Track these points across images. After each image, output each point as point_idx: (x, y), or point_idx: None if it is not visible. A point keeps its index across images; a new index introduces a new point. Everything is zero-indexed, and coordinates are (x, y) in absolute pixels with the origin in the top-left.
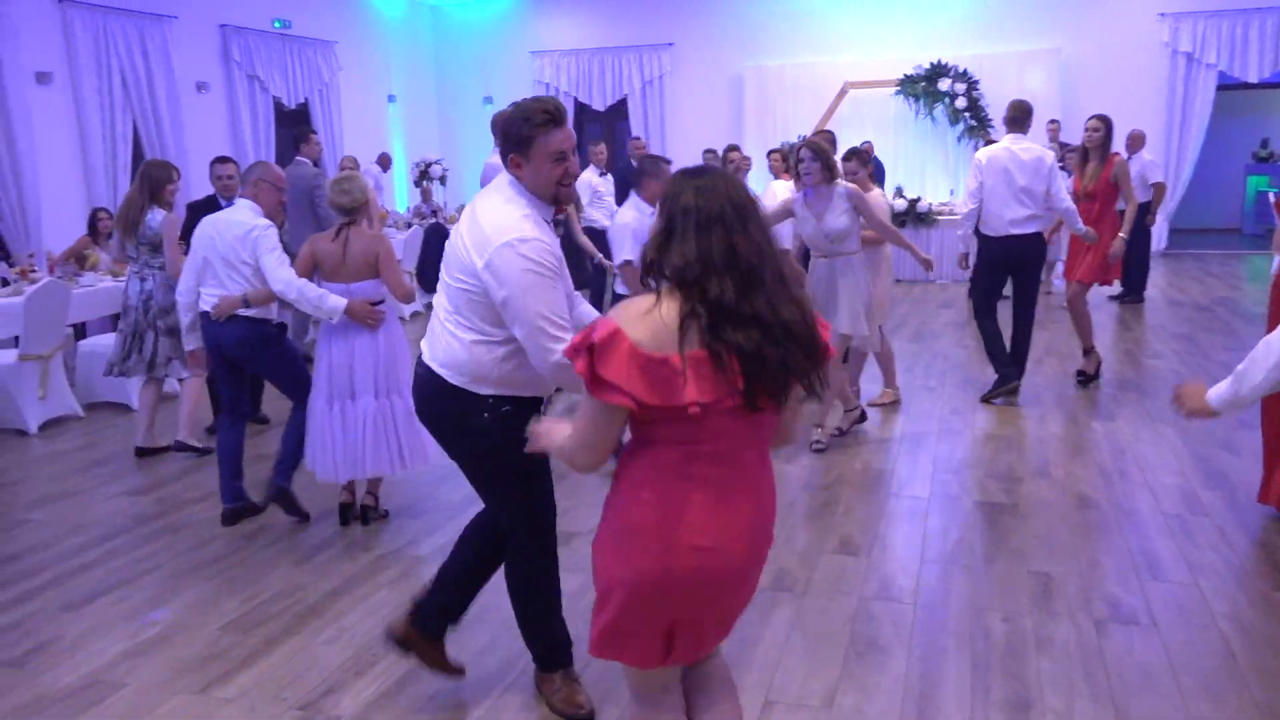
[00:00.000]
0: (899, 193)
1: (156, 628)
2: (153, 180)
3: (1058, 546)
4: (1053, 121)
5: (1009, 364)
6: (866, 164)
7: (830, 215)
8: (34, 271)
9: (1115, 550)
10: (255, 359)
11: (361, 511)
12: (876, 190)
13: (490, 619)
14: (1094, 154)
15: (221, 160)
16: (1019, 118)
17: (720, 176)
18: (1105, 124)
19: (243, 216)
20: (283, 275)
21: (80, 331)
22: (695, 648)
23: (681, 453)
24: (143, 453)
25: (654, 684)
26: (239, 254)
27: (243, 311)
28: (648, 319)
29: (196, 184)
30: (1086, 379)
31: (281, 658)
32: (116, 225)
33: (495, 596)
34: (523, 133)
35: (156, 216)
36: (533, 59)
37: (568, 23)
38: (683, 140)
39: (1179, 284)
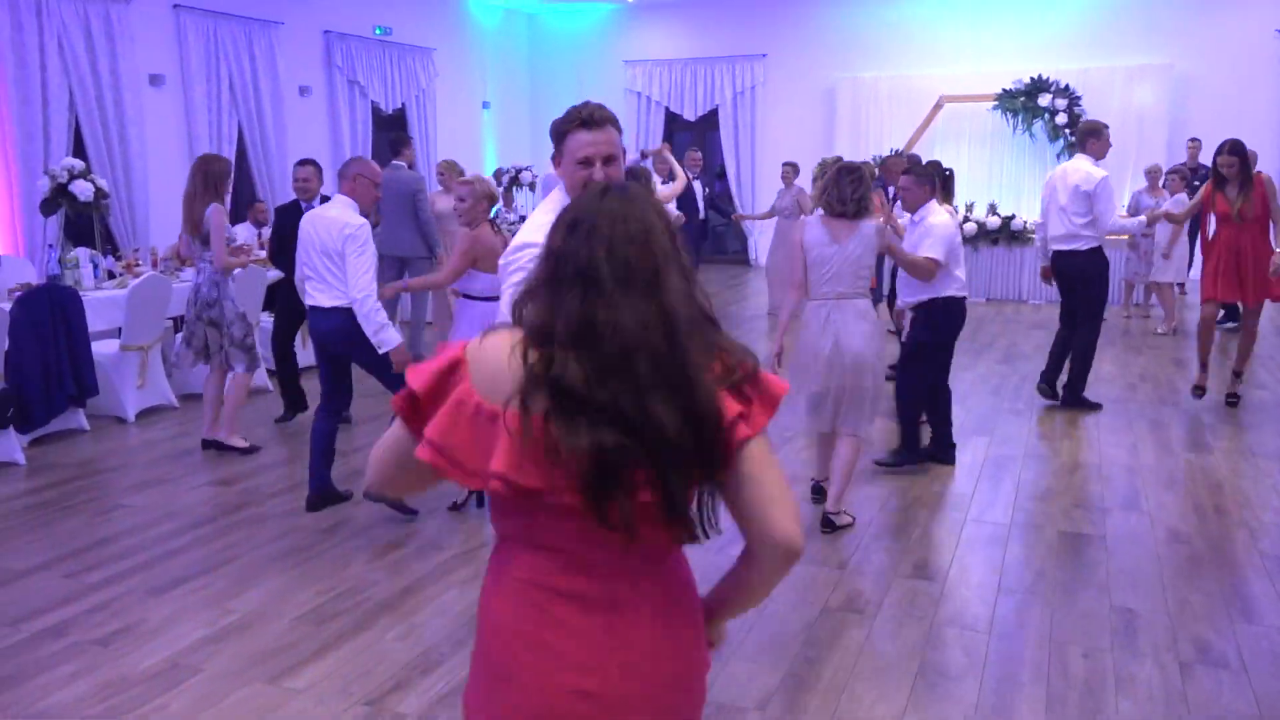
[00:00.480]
0: (992, 210)
1: (234, 615)
2: (214, 175)
3: (1144, 582)
4: (1193, 140)
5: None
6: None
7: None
8: (138, 266)
9: (1206, 589)
10: (356, 351)
11: (480, 497)
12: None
13: None
14: (1233, 180)
15: (301, 163)
16: (1081, 138)
17: (631, 204)
18: (1240, 154)
19: (338, 212)
20: (364, 284)
21: (179, 325)
22: None
23: (537, 559)
24: (207, 445)
25: None
26: (334, 245)
27: (343, 303)
28: (497, 355)
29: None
30: (1234, 399)
31: (351, 652)
32: (183, 223)
33: None
34: (558, 129)
35: (209, 210)
36: (626, 68)
37: (661, 32)
38: (773, 152)
39: None
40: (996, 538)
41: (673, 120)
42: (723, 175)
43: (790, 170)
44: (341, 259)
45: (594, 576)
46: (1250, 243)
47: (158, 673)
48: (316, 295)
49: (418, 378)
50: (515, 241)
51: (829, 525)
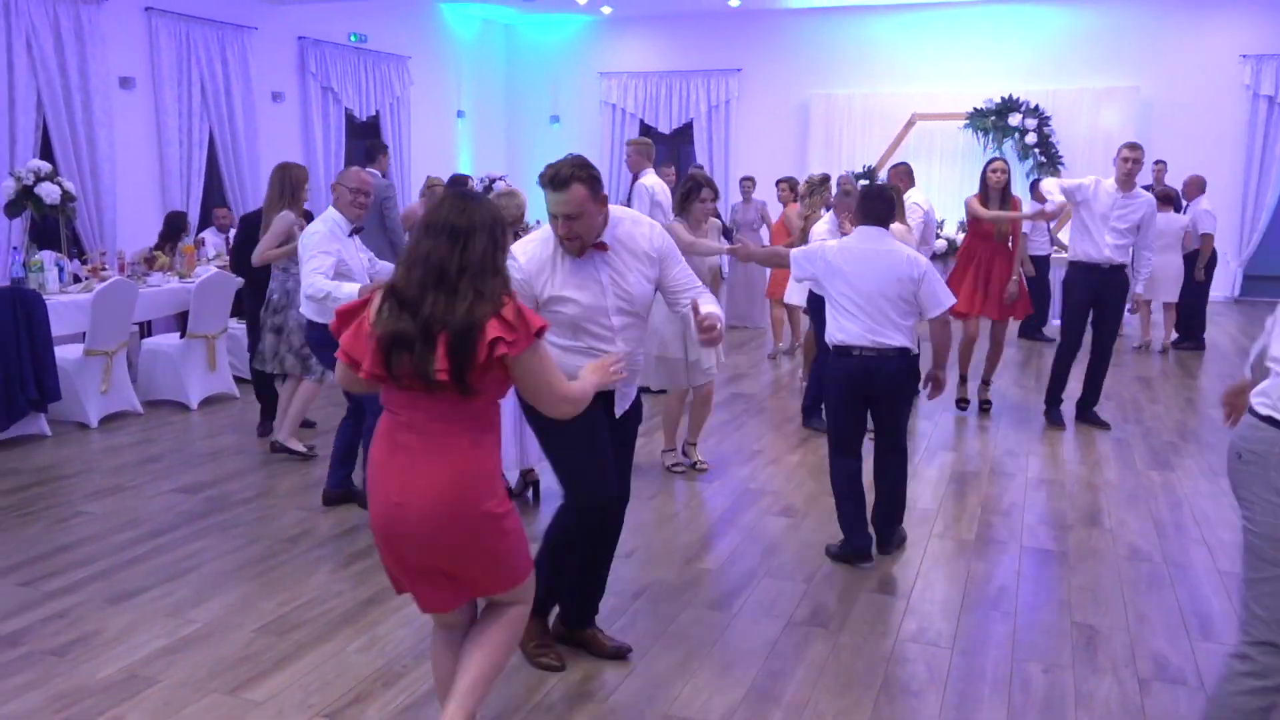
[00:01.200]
0: (962, 227)
1: (195, 625)
2: (293, 181)
3: (1105, 598)
4: (1158, 162)
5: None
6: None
7: None
8: (104, 270)
9: (1165, 606)
10: None
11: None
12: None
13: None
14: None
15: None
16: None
17: (466, 202)
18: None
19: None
20: (308, 278)
21: (146, 330)
22: (423, 595)
23: (390, 419)
24: (275, 448)
25: (436, 621)
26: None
27: None
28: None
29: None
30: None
31: (312, 663)
32: (263, 228)
33: None
34: (540, 181)
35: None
36: (601, 80)
37: (637, 45)
38: (746, 166)
39: (1251, 331)
40: (961, 553)
41: (646, 133)
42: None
43: (749, 184)
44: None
45: (410, 429)
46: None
47: (115, 683)
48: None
49: (340, 312)
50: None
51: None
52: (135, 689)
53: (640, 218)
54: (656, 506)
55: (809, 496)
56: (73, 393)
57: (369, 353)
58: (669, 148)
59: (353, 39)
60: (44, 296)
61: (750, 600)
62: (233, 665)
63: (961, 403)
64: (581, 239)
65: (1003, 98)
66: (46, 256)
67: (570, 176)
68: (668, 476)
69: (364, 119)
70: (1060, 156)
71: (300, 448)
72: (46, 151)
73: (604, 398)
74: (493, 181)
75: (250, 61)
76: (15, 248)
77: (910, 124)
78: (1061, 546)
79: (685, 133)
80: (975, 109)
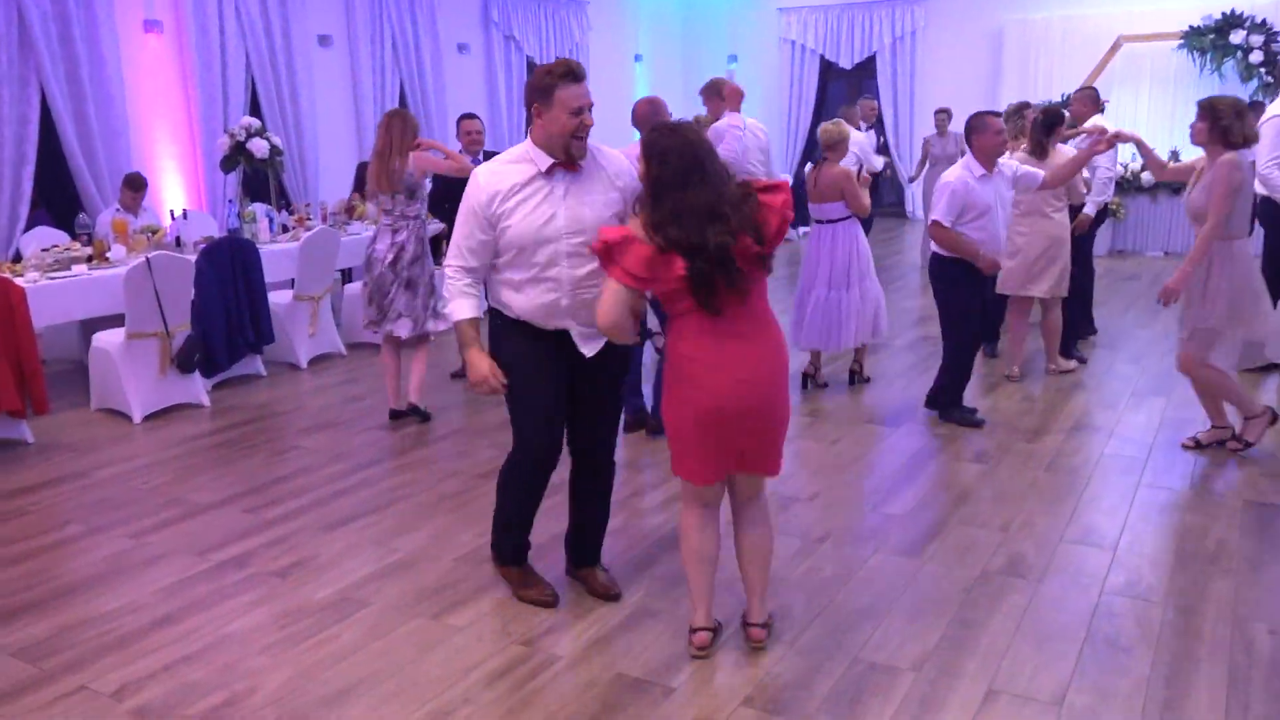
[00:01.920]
0: (1174, 156)
1: (399, 554)
2: (410, 128)
3: None
4: None
5: None
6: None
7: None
8: (309, 220)
9: None
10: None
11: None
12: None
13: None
14: None
15: (468, 116)
16: None
17: (676, 133)
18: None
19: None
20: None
21: (347, 276)
22: (713, 469)
23: (701, 324)
24: (399, 415)
25: (703, 497)
26: None
27: None
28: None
29: (455, 143)
30: None
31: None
32: (371, 178)
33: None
34: (544, 83)
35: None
36: (780, 16)
37: None
38: (934, 101)
39: None
40: (1173, 505)
41: (828, 69)
42: (879, 123)
43: (944, 117)
44: None
45: (733, 319)
46: None
47: (331, 604)
48: None
49: (609, 238)
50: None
51: None
52: (348, 610)
53: (607, 149)
54: (840, 451)
55: (1000, 444)
56: (284, 336)
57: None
58: (850, 83)
59: None
60: (257, 246)
61: (942, 548)
62: (435, 591)
63: None
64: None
65: (1223, 13)
66: (259, 208)
67: (581, 67)
68: (853, 423)
69: None
70: None
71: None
72: (255, 109)
73: (558, 342)
74: None
75: (437, 15)
76: (230, 200)
77: (1116, 47)
78: None
79: (868, 67)
80: (1191, 27)
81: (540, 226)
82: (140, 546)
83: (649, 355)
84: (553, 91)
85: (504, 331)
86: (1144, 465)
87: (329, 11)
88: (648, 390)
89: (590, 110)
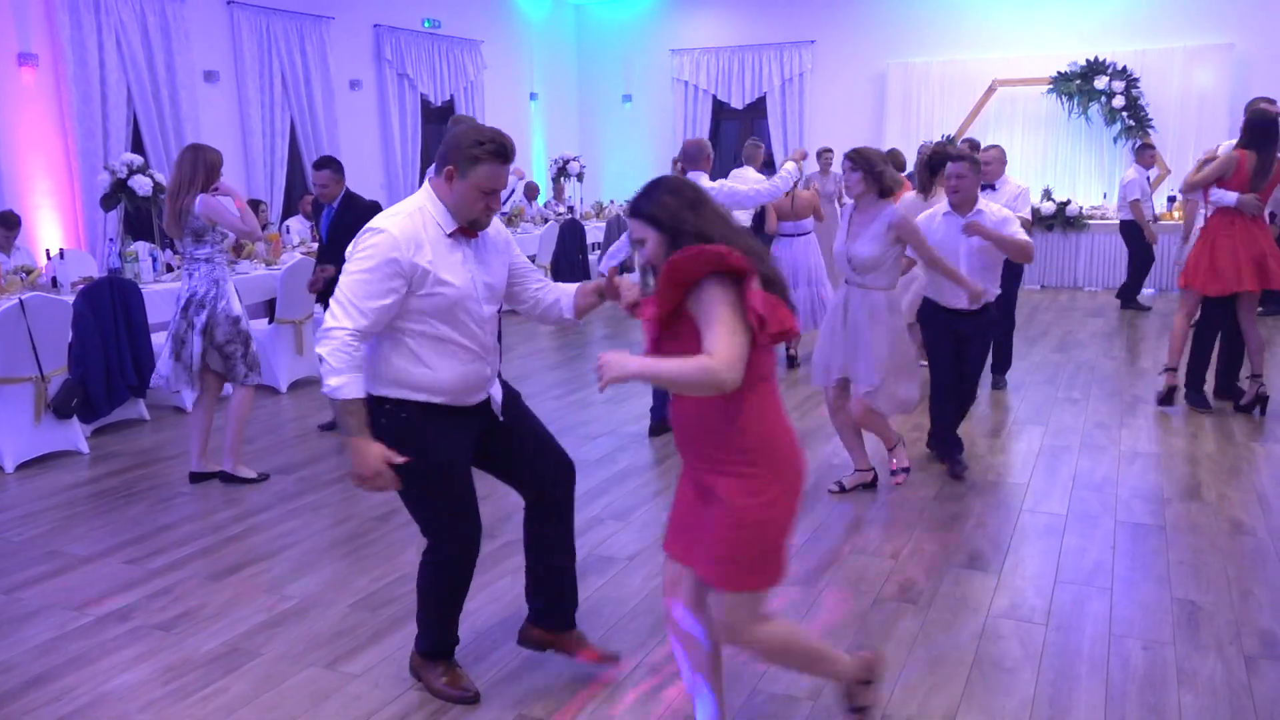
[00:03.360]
0: (1047, 195)
1: (292, 601)
2: (208, 165)
3: (1207, 574)
4: None
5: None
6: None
7: (862, 239)
8: None
9: (1272, 582)
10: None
11: None
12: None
13: (605, 614)
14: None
15: (317, 165)
16: None
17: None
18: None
19: None
20: None
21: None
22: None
23: (770, 387)
24: (199, 478)
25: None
26: None
27: None
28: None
29: (351, 179)
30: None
31: (406, 637)
32: (166, 219)
33: (612, 589)
34: (468, 152)
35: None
36: (672, 57)
37: (709, 20)
38: (821, 139)
39: None
40: (1053, 528)
41: (720, 108)
42: (770, 164)
43: (829, 156)
44: None
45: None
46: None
47: (219, 656)
48: None
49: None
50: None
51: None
52: (238, 662)
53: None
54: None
55: (881, 480)
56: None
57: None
58: (741, 123)
59: (426, 25)
60: (140, 286)
61: (837, 576)
62: (329, 639)
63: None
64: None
65: (1088, 60)
66: (141, 247)
67: (513, 148)
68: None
69: (439, 104)
70: (1150, 120)
71: (252, 474)
72: (137, 145)
73: (474, 414)
74: (566, 163)
75: (328, 51)
76: (111, 239)
77: (991, 90)
78: (1159, 521)
79: (759, 107)
80: (1059, 72)
81: (468, 290)
82: (13, 602)
83: None
84: (475, 165)
85: (405, 425)
86: (1025, 491)
87: (215, 46)
88: None
89: (497, 194)
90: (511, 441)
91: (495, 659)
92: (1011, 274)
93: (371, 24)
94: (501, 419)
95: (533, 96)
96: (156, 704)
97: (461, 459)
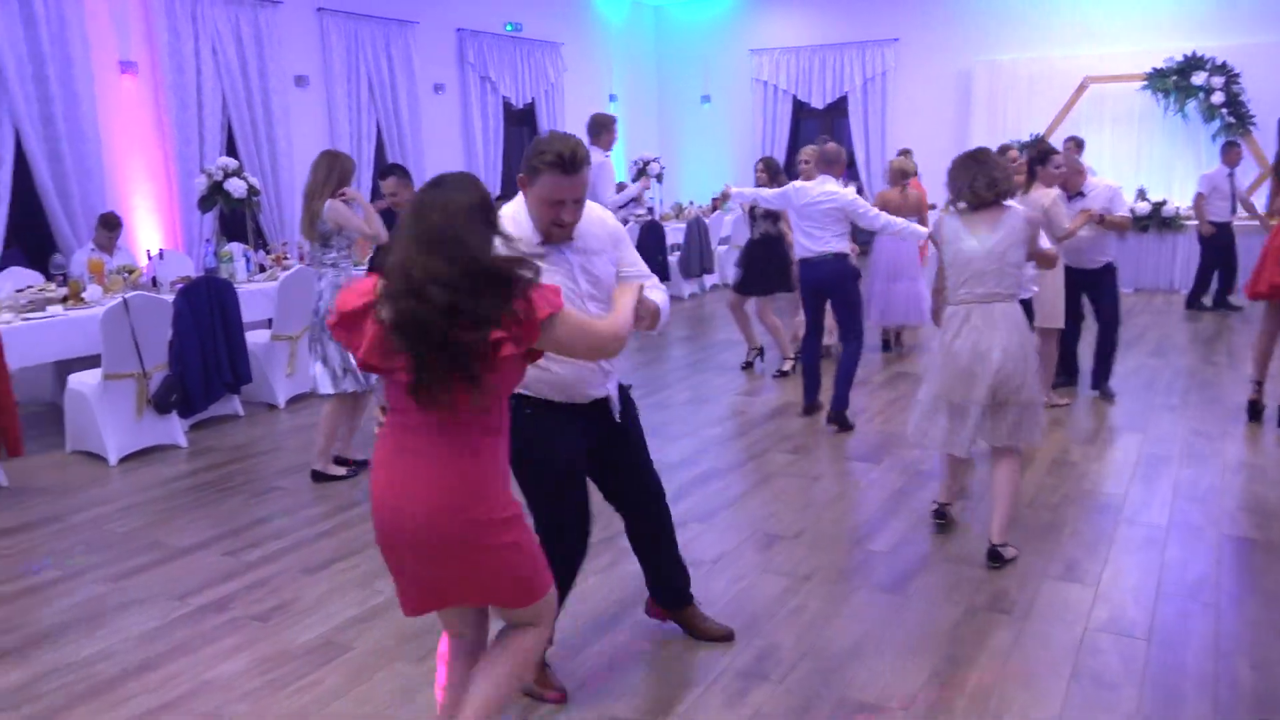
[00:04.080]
0: (1141, 195)
1: (382, 596)
2: (342, 172)
3: None
4: None
5: None
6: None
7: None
8: (286, 259)
9: None
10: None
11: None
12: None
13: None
14: None
15: (383, 174)
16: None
17: (439, 190)
18: None
19: None
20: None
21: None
22: (414, 601)
23: (396, 420)
24: (320, 478)
25: (449, 626)
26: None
27: (834, 249)
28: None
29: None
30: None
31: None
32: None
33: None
34: (531, 162)
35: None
36: (752, 57)
37: (789, 19)
38: (903, 140)
39: None
40: (1153, 540)
41: (800, 109)
42: (851, 164)
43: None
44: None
45: (409, 431)
46: None
47: (313, 648)
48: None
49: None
50: None
51: (996, 559)
52: (331, 654)
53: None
54: (822, 488)
55: (981, 480)
56: (262, 375)
57: (387, 355)
58: (822, 123)
59: (508, 28)
60: (234, 285)
61: (928, 584)
62: (419, 634)
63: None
64: (572, 226)
65: (1185, 55)
66: (235, 248)
67: (585, 158)
68: (833, 460)
69: (520, 107)
70: (1252, 116)
71: (342, 471)
72: (231, 149)
73: (591, 412)
74: (646, 164)
75: (413, 55)
76: (208, 240)
77: (1082, 88)
78: (1266, 535)
79: (839, 107)
80: (1154, 69)
81: (567, 290)
82: (117, 591)
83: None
84: (537, 175)
85: (527, 420)
86: (1123, 501)
87: (305, 52)
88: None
89: (577, 205)
90: (615, 454)
91: (583, 659)
92: (1108, 285)
93: (454, 28)
94: (619, 421)
95: (612, 98)
96: (254, 694)
97: (566, 458)
